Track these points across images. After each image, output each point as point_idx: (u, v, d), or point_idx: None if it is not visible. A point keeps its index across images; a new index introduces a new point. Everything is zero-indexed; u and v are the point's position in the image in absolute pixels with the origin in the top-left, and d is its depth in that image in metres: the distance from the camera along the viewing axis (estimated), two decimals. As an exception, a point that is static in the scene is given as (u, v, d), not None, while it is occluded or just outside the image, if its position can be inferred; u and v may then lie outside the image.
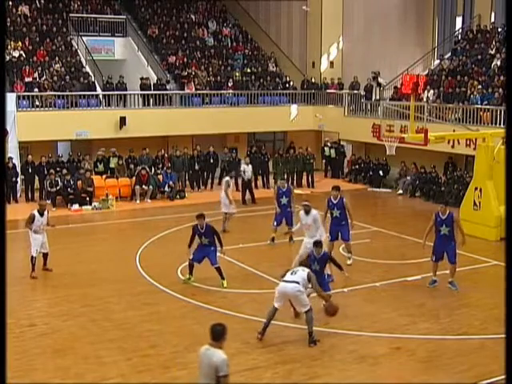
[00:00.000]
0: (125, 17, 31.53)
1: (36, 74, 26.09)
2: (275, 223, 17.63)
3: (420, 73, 27.95)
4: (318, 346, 10.83)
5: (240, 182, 23.73)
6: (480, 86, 24.36)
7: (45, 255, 14.98)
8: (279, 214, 17.65)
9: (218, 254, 14.00)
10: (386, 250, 16.86)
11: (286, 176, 26.59)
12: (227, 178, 19.37)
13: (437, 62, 30.56)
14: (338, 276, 14.81)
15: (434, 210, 17.88)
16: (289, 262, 15.70)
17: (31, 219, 14.52)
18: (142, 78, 27.51)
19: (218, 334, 7.05)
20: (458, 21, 32.08)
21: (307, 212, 14.22)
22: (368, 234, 18.36)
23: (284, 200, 17.61)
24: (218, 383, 6.78)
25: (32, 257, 14.55)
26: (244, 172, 23.14)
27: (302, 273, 10.99)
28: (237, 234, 18.91)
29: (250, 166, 23.41)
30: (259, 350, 10.68)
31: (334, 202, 14.99)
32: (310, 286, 11.07)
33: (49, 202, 22.53)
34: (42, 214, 14.65)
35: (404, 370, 9.95)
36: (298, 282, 10.82)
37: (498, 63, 25.19)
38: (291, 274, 11.06)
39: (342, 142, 29.11)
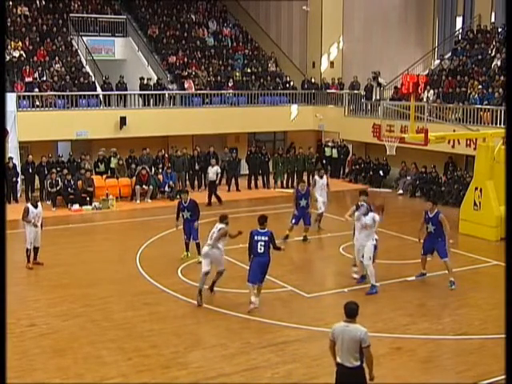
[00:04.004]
0: (125, 17, 31.52)
1: (36, 74, 26.10)
2: (293, 221, 17.57)
3: (420, 73, 27.97)
4: (318, 346, 10.84)
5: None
6: (480, 86, 24.36)
7: (35, 249, 15.25)
8: (297, 214, 17.55)
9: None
10: (386, 250, 16.82)
11: (286, 176, 26.70)
12: (316, 177, 19.43)
13: (437, 62, 30.56)
14: (337, 276, 14.85)
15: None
16: (289, 262, 15.76)
17: (26, 212, 14.94)
18: (141, 78, 27.52)
19: (353, 312, 7.75)
20: (459, 21, 32.08)
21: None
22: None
23: (303, 202, 17.51)
24: (361, 354, 7.61)
25: (27, 249, 15.10)
26: (207, 174, 23.58)
27: (217, 234, 12.70)
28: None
29: (216, 167, 23.64)
30: (259, 349, 10.68)
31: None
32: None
33: (49, 202, 22.58)
34: (35, 206, 15.08)
35: (404, 369, 9.95)
36: (212, 246, 12.69)
37: (498, 63, 25.19)
38: (209, 237, 12.80)
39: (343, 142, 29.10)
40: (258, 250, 12.16)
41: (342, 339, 7.66)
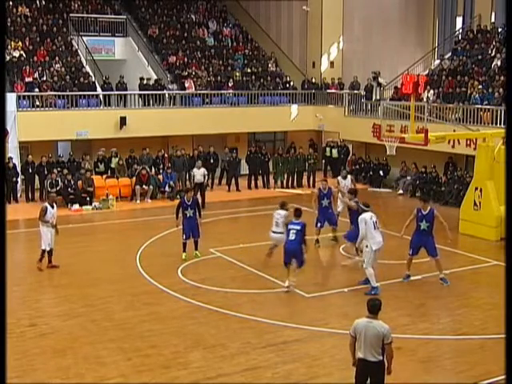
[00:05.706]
0: (125, 17, 31.52)
1: (36, 74, 26.10)
2: (319, 225, 17.19)
3: (420, 73, 27.95)
4: (318, 346, 10.83)
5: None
6: (480, 86, 24.34)
7: (50, 252, 15.13)
8: (320, 215, 17.22)
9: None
10: (386, 250, 16.79)
11: (286, 176, 26.68)
12: (338, 178, 19.15)
13: (437, 62, 30.54)
14: (337, 276, 14.86)
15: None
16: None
17: (44, 212, 14.91)
18: (141, 78, 27.51)
19: (376, 308, 8.00)
20: (459, 21, 32.07)
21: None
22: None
23: (325, 202, 17.18)
24: (383, 349, 7.86)
25: (44, 250, 14.94)
26: (194, 176, 22.90)
27: (281, 222, 14.39)
28: (237, 234, 18.93)
29: (202, 169, 22.90)
30: (259, 350, 10.68)
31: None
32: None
33: (49, 202, 22.59)
34: (52, 206, 15.16)
35: (404, 370, 9.93)
36: (282, 233, 14.21)
37: (498, 63, 25.18)
38: (276, 225, 14.59)
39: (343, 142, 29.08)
40: (290, 237, 13.36)
41: (364, 335, 7.87)
